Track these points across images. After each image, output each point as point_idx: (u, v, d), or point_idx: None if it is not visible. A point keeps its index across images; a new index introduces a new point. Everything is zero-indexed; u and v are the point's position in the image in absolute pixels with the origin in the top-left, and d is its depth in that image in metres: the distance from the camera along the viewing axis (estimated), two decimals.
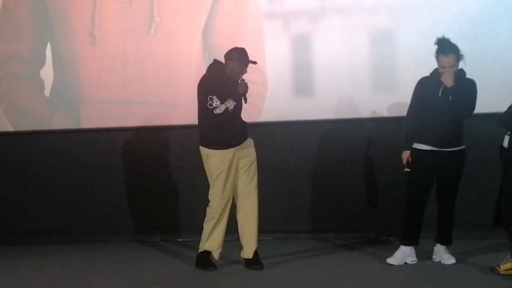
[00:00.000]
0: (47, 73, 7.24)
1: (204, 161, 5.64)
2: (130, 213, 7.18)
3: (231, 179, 5.58)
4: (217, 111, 5.46)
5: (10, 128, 7.34)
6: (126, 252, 6.63)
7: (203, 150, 5.61)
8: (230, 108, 5.48)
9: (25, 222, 7.26)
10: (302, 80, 6.88)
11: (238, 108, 5.56)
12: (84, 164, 7.19)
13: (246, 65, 5.59)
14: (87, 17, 7.11)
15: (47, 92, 7.27)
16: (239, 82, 5.55)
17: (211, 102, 5.47)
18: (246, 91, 5.54)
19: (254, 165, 5.66)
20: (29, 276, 5.82)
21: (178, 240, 6.98)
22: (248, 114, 6.72)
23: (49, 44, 7.25)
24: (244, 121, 5.67)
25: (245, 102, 5.58)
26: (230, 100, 5.48)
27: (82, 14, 7.12)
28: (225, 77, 5.55)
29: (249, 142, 5.67)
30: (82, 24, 7.12)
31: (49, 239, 7.17)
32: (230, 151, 5.54)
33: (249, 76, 6.60)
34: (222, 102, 5.46)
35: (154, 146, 7.12)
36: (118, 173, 7.17)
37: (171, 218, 7.09)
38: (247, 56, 5.59)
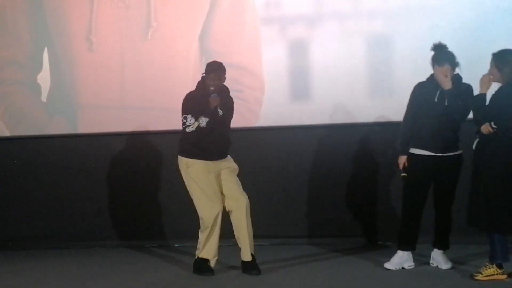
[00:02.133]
0: (44, 78, 7.25)
1: (183, 171, 5.63)
2: (127, 218, 7.17)
3: (215, 188, 5.58)
4: (189, 129, 5.49)
5: (7, 133, 7.34)
6: (123, 258, 6.62)
7: (182, 160, 5.61)
8: (202, 124, 5.47)
9: (22, 227, 7.25)
10: (299, 85, 6.88)
11: (213, 124, 5.49)
12: (81, 169, 7.19)
13: (208, 77, 5.51)
14: (84, 22, 7.11)
15: (44, 97, 7.27)
16: (210, 96, 5.50)
17: (185, 121, 5.51)
18: (217, 105, 5.49)
19: (236, 173, 5.67)
20: (26, 281, 5.80)
21: (175, 245, 6.97)
22: (245, 119, 6.78)
23: (46, 49, 7.25)
24: (223, 140, 5.61)
25: (217, 116, 5.50)
26: (202, 117, 5.48)
27: (79, 19, 7.12)
28: (204, 94, 5.53)
29: (228, 158, 5.67)
30: (79, 29, 7.12)
31: (45, 244, 7.16)
32: (208, 162, 5.55)
33: (247, 81, 6.63)
34: (196, 120, 5.49)
35: (151, 151, 7.11)
36: (115, 178, 7.17)
37: (168, 223, 7.09)
38: (209, 67, 5.55)
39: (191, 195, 5.65)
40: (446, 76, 5.40)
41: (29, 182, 7.27)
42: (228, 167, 5.65)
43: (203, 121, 5.48)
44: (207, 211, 5.56)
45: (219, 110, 5.53)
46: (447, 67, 5.40)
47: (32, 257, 6.81)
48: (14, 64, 7.30)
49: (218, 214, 5.56)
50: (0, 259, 6.74)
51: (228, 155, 5.70)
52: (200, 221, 5.61)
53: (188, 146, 5.58)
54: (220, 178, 5.62)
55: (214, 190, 5.57)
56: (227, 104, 5.65)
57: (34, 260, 6.66)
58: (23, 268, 6.35)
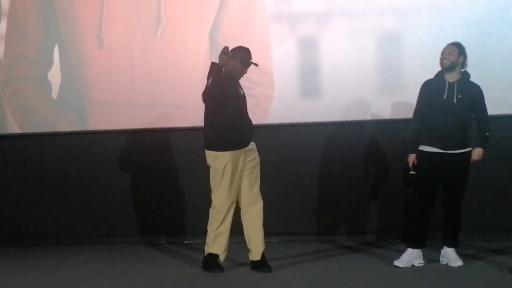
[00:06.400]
0: (54, 75, 7.27)
1: (211, 163, 5.61)
2: (137, 215, 7.19)
3: (237, 181, 5.58)
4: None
5: (17, 130, 7.37)
6: (133, 254, 6.64)
7: (210, 153, 5.60)
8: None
9: (33, 224, 7.28)
10: (309, 82, 6.88)
11: (242, 102, 5.57)
12: (91, 165, 7.21)
13: (247, 66, 5.61)
14: (94, 19, 7.13)
15: (54, 94, 7.29)
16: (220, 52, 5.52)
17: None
18: (225, 63, 5.49)
19: (258, 168, 5.67)
20: (38, 277, 5.84)
21: (185, 242, 6.99)
22: (255, 116, 6.75)
23: (56, 46, 7.28)
24: (250, 120, 5.69)
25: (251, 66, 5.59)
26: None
27: (89, 16, 7.14)
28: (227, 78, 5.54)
29: (253, 145, 5.68)
30: (89, 26, 7.14)
31: (56, 241, 7.19)
32: (238, 152, 5.54)
33: (256, 78, 6.61)
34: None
35: (161, 148, 7.13)
36: (125, 175, 7.19)
37: (177, 220, 7.10)
38: (250, 57, 5.61)
39: (211, 185, 5.61)
40: (450, 54, 5.44)
41: (39, 179, 7.30)
42: (252, 159, 5.62)
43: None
44: (223, 201, 5.54)
45: (240, 90, 5.59)
46: (451, 46, 5.45)
47: (44, 253, 6.84)
48: (25, 61, 7.32)
49: (231, 207, 5.56)
50: (12, 256, 6.77)
51: (253, 143, 5.68)
52: (211, 211, 5.60)
53: (219, 136, 5.52)
54: (243, 170, 5.59)
55: (235, 183, 5.56)
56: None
57: (46, 257, 6.68)
58: (36, 264, 6.38)
